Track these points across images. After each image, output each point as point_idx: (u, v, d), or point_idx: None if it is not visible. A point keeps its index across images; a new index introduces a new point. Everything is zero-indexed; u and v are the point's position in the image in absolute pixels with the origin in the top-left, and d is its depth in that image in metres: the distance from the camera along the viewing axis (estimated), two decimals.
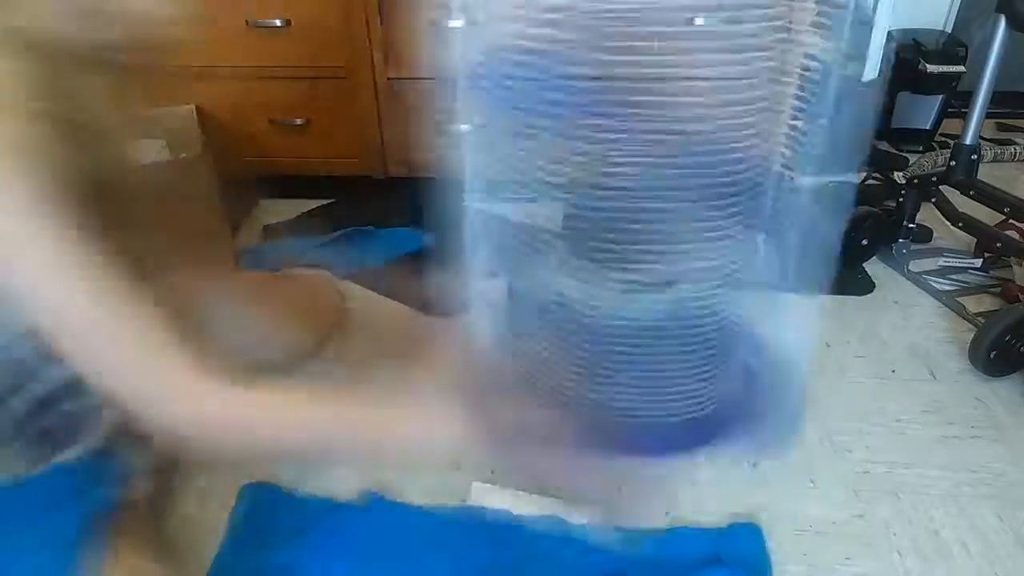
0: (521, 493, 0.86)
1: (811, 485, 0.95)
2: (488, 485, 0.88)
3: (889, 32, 2.16)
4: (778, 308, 0.70)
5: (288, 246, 1.49)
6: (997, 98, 1.30)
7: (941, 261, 1.43)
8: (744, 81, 0.54)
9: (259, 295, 1.04)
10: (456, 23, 0.53)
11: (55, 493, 0.69)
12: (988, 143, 1.90)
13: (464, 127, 0.53)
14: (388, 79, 1.52)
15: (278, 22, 1.45)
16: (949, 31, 2.02)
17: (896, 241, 1.41)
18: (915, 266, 1.40)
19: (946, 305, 1.31)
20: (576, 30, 0.51)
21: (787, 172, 0.63)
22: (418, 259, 1.19)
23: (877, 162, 1.75)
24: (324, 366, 1.11)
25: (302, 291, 1.09)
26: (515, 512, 0.84)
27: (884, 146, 1.97)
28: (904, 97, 1.93)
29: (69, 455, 0.71)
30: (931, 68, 1.83)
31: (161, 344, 0.57)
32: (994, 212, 1.31)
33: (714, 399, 0.63)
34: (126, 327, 0.56)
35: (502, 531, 0.83)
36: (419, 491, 0.90)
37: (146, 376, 0.57)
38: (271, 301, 1.04)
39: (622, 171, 0.54)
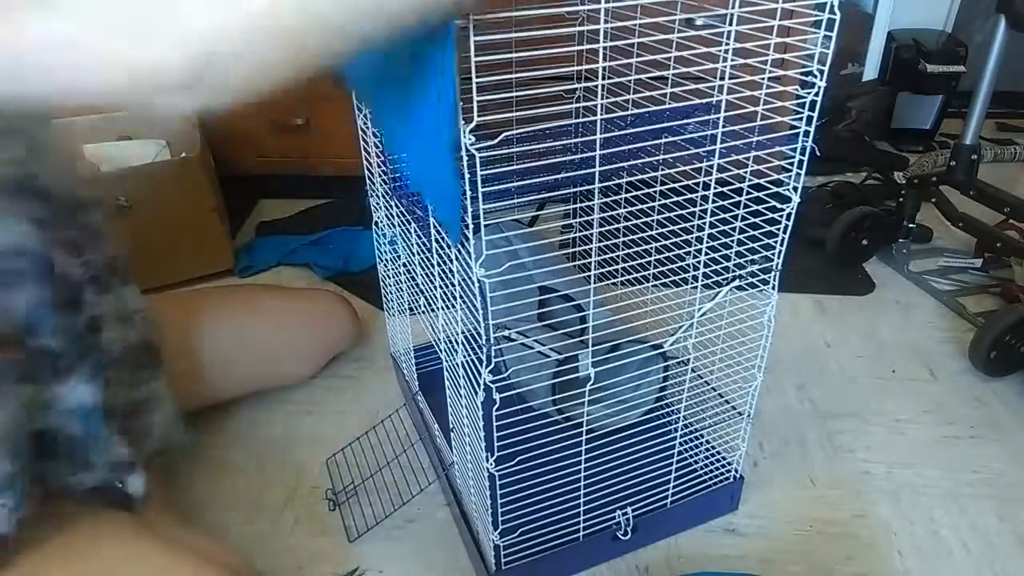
0: None
1: (811, 485, 0.95)
2: None
3: (889, 32, 2.17)
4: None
5: (275, 243, 1.50)
6: (997, 98, 1.30)
7: (941, 261, 1.43)
8: None
9: (272, 315, 1.06)
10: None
11: None
12: (988, 143, 1.91)
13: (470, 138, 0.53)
14: None
15: None
16: (949, 31, 2.02)
17: (896, 241, 1.41)
18: (915, 266, 1.40)
19: (946, 305, 1.31)
20: None
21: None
22: None
23: (877, 162, 1.76)
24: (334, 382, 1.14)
25: (315, 308, 1.11)
26: None
27: (884, 146, 1.97)
28: (904, 97, 1.94)
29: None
30: (931, 68, 1.83)
31: None
32: (994, 212, 1.31)
33: None
34: None
35: None
36: None
37: None
38: (285, 321, 1.06)
39: None
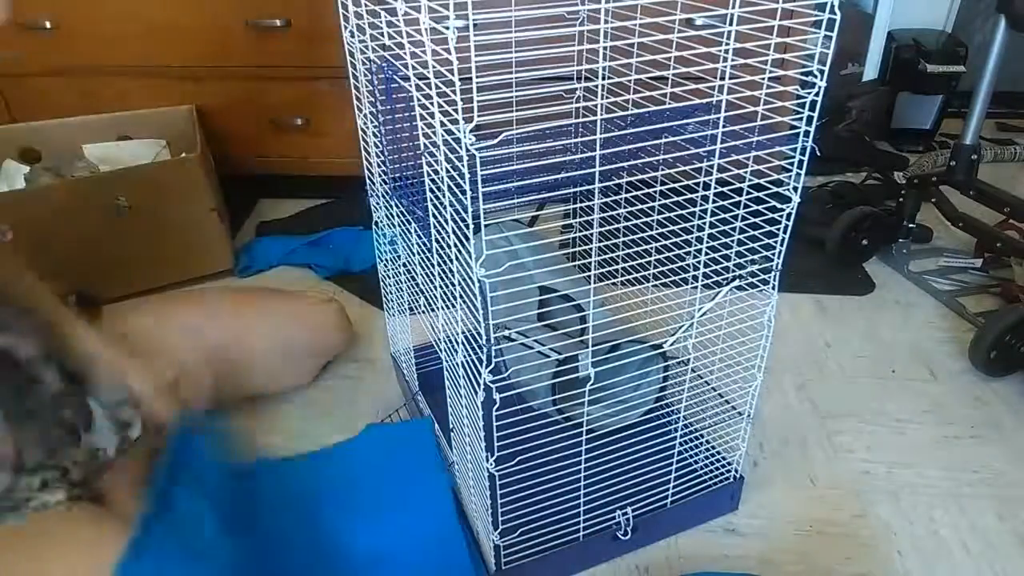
0: None
1: (811, 485, 0.95)
2: None
3: (889, 32, 2.18)
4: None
5: (275, 243, 1.50)
6: (997, 98, 1.30)
7: (941, 261, 1.43)
8: None
9: (266, 323, 1.05)
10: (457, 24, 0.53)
11: None
12: (988, 143, 1.91)
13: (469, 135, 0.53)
14: None
15: (278, 22, 1.45)
16: (949, 31, 2.02)
17: (896, 241, 1.41)
18: (915, 266, 1.40)
19: (946, 305, 1.31)
20: None
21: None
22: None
23: (877, 162, 1.76)
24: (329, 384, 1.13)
25: (307, 314, 1.10)
26: None
27: (884, 146, 1.97)
28: (904, 97, 1.94)
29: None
30: (931, 68, 1.83)
31: None
32: (994, 212, 1.31)
33: None
34: None
35: None
36: None
37: None
38: (279, 330, 1.06)
39: None
